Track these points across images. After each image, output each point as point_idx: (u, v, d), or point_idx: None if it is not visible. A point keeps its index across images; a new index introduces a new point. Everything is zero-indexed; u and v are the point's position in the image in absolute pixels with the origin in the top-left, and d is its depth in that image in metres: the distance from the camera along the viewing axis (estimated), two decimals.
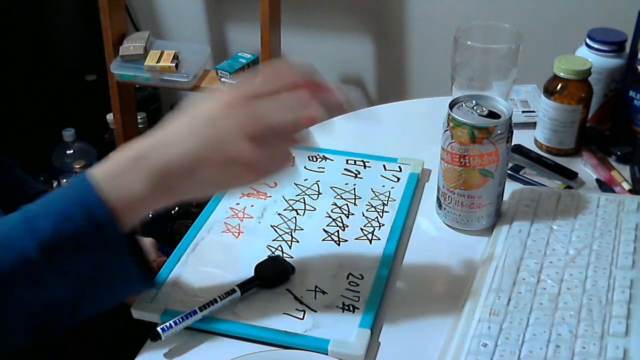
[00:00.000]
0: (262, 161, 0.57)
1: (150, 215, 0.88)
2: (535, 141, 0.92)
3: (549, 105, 0.88)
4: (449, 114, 0.72)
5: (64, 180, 1.69)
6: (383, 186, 0.84)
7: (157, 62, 1.56)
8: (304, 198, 0.82)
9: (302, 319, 0.65)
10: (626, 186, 0.83)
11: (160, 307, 0.66)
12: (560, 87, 0.87)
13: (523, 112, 0.98)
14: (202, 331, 0.65)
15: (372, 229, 0.77)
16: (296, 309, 0.66)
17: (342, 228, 0.77)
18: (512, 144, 0.74)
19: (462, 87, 0.85)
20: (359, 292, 0.68)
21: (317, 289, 0.69)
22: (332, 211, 0.80)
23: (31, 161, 1.25)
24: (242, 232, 0.77)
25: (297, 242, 0.75)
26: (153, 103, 1.97)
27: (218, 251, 0.74)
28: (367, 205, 0.81)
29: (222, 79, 1.58)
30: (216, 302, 0.65)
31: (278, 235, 0.76)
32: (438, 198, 0.78)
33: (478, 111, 0.71)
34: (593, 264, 0.68)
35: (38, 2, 1.77)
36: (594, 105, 0.91)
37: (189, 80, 1.57)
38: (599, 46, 0.90)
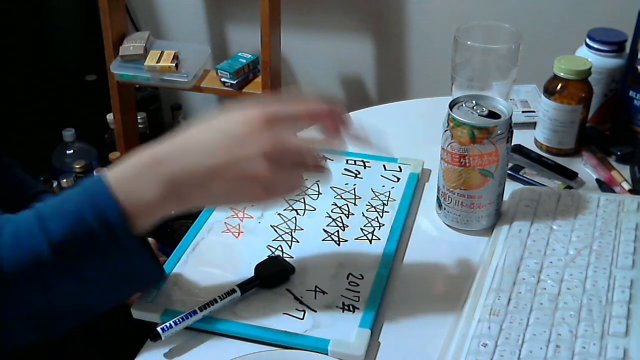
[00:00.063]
0: (276, 182, 0.59)
1: None
2: (535, 141, 0.92)
3: (549, 105, 0.88)
4: (449, 114, 0.72)
5: (64, 180, 1.69)
6: (383, 186, 0.84)
7: (157, 62, 1.56)
8: (304, 198, 0.82)
9: (302, 319, 0.65)
10: (626, 186, 0.83)
11: (160, 307, 0.66)
12: (560, 87, 0.87)
13: (523, 112, 0.98)
14: (202, 331, 0.65)
15: (372, 229, 0.77)
16: (296, 309, 0.66)
17: (342, 228, 0.77)
18: (512, 144, 0.74)
19: (462, 87, 0.85)
20: (359, 292, 0.68)
21: (317, 289, 0.69)
22: (332, 211, 0.80)
23: (31, 161, 1.25)
24: (242, 232, 0.77)
25: (297, 242, 0.75)
26: (153, 103, 1.97)
27: (218, 251, 0.74)
28: (367, 205, 0.81)
29: (222, 79, 1.58)
30: (216, 302, 0.65)
31: (278, 235, 0.76)
32: (438, 198, 0.78)
33: (478, 111, 0.71)
34: (593, 264, 0.68)
35: (38, 2, 1.77)
36: (594, 105, 0.91)
37: (189, 80, 1.57)
38: (599, 46, 0.90)
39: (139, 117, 1.83)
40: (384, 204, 0.81)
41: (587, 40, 0.91)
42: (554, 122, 0.88)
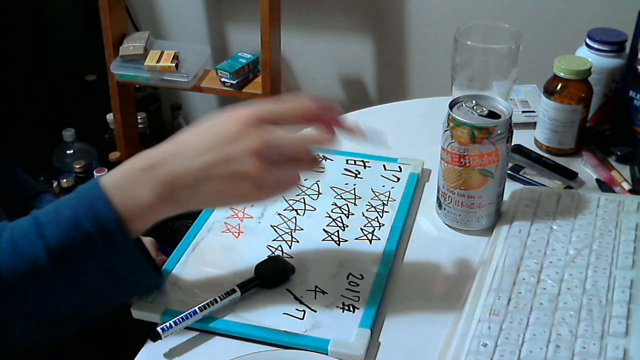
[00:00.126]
0: (269, 181, 0.59)
1: None
2: (535, 141, 0.92)
3: (549, 105, 0.88)
4: (449, 114, 0.72)
5: (64, 180, 1.69)
6: (383, 186, 0.84)
7: (157, 62, 1.56)
8: (304, 198, 0.82)
9: (302, 319, 0.65)
10: (626, 186, 0.83)
11: (160, 307, 0.66)
12: (560, 87, 0.87)
13: (523, 112, 0.98)
14: (202, 331, 0.65)
15: (372, 229, 0.77)
16: (296, 309, 0.66)
17: (342, 228, 0.77)
18: (512, 144, 0.74)
19: (462, 87, 0.85)
20: (359, 292, 0.68)
21: (317, 289, 0.69)
22: (332, 211, 0.80)
23: (31, 161, 1.25)
24: (242, 232, 0.77)
25: (297, 242, 0.75)
26: (153, 103, 1.97)
27: (218, 251, 0.74)
28: (367, 205, 0.81)
29: (222, 79, 1.58)
30: (216, 302, 0.65)
31: (278, 235, 0.76)
32: (438, 198, 0.78)
33: (478, 111, 0.71)
34: (593, 264, 0.68)
35: (38, 2, 1.77)
36: (594, 105, 0.91)
37: (189, 80, 1.57)
38: (599, 46, 0.90)
39: (139, 117, 1.83)
40: (384, 204, 0.81)
41: (587, 40, 0.91)
42: (554, 122, 0.88)
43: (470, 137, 0.70)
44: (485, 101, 0.73)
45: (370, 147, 0.66)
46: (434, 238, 0.77)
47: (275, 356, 0.61)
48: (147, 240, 0.80)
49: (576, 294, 0.64)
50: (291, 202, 0.81)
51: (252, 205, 0.80)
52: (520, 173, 0.86)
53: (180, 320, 0.63)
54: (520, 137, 0.90)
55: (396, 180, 0.85)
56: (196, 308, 0.64)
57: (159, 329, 0.62)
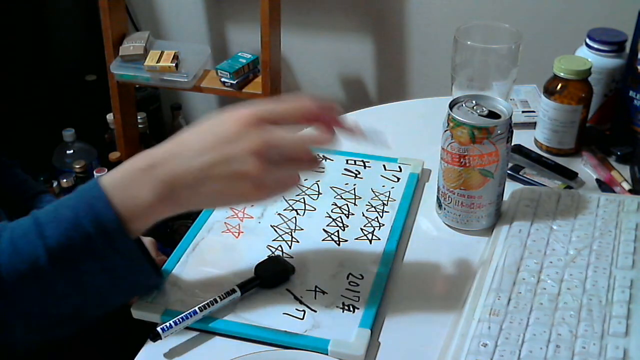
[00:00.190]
0: (269, 181, 0.59)
1: None
2: (535, 141, 0.92)
3: (549, 105, 0.88)
4: (449, 114, 0.72)
5: (64, 180, 1.69)
6: (383, 186, 0.84)
7: (157, 62, 1.56)
8: (303, 198, 0.82)
9: (302, 319, 0.65)
10: (626, 186, 0.83)
11: (160, 307, 0.66)
12: (560, 87, 0.87)
13: (523, 112, 0.98)
14: (202, 331, 0.65)
15: (372, 229, 0.77)
16: (296, 309, 0.66)
17: (342, 228, 0.77)
18: (512, 144, 0.74)
19: (462, 87, 0.85)
20: (359, 292, 0.68)
21: (317, 289, 0.69)
22: (332, 211, 0.80)
23: (31, 161, 1.25)
24: (242, 232, 0.77)
25: (297, 242, 0.75)
26: (153, 103, 1.97)
27: (218, 251, 0.74)
28: (367, 205, 0.81)
29: (222, 79, 1.58)
30: (216, 302, 0.65)
31: (278, 235, 0.76)
32: (438, 198, 0.78)
33: (478, 111, 0.71)
34: (593, 264, 0.68)
35: (38, 2, 1.77)
36: (594, 105, 0.91)
37: (189, 80, 1.57)
38: (599, 46, 0.90)
39: (139, 117, 1.83)
40: (384, 204, 0.81)
41: (587, 40, 0.91)
42: (554, 122, 0.88)
43: (470, 137, 0.70)
44: (485, 101, 0.73)
45: (370, 147, 0.66)
46: (434, 238, 0.77)
47: (275, 356, 0.61)
48: (147, 240, 0.80)
49: (576, 294, 0.64)
50: (291, 202, 0.81)
51: (252, 205, 0.80)
52: (520, 173, 0.86)
53: (180, 320, 0.63)
54: (520, 137, 0.90)
55: (396, 180, 0.85)
56: (196, 308, 0.64)
57: (159, 329, 0.62)
